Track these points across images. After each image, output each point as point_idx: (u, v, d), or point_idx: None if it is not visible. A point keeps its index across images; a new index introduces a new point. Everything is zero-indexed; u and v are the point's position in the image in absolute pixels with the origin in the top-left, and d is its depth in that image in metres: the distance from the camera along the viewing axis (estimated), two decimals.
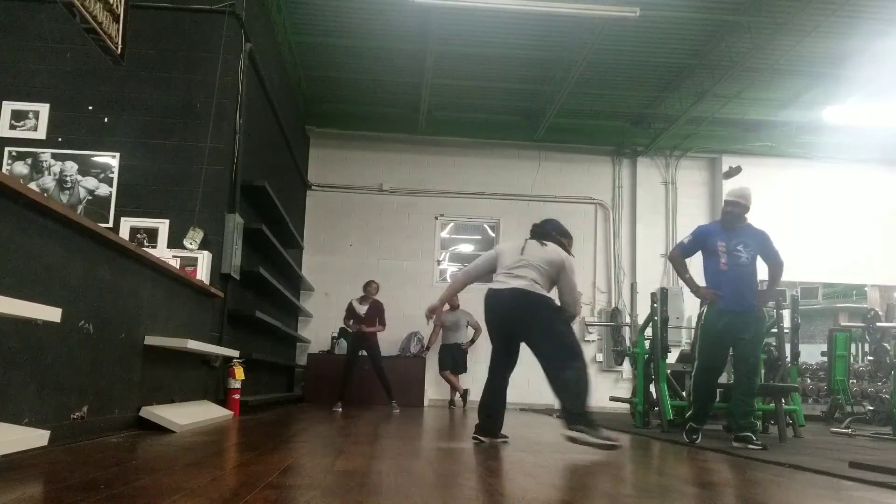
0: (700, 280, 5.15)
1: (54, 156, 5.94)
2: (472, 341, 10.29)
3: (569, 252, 4.49)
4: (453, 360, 10.03)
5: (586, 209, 11.49)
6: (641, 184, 11.73)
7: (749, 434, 4.73)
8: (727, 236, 4.97)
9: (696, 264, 5.20)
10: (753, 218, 5.14)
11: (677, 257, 5.22)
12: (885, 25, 8.00)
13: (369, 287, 8.72)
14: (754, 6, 7.77)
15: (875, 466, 3.52)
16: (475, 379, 10.46)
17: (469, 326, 10.33)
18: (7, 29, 6.10)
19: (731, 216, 5.01)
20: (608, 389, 10.63)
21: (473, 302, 10.69)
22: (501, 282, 4.34)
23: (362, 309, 8.60)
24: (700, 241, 5.10)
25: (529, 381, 10.98)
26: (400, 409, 8.47)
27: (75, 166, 5.95)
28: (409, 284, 11.12)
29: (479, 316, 10.21)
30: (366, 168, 11.40)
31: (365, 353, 8.66)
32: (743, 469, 3.57)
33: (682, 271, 5.18)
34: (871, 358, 8.42)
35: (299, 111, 10.62)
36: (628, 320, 10.69)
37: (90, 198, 5.94)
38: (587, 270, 11.17)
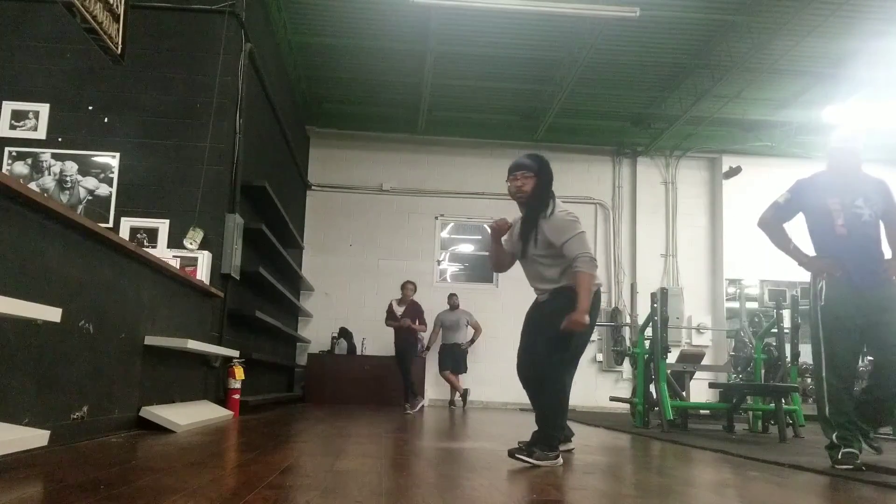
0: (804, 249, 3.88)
1: (54, 156, 5.94)
2: (472, 341, 10.29)
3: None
4: (453, 360, 10.02)
5: (586, 209, 11.48)
6: (641, 184, 11.74)
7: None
8: (841, 189, 3.74)
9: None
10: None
11: (771, 222, 3.91)
12: (884, 25, 8.00)
13: (405, 289, 8.84)
14: (754, 6, 7.77)
15: (875, 466, 3.52)
16: (475, 379, 10.48)
17: (469, 326, 10.33)
18: (7, 29, 6.11)
19: (841, 164, 3.81)
20: (608, 389, 10.65)
21: (474, 302, 10.78)
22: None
23: (399, 310, 8.71)
24: (802, 197, 3.84)
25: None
26: (413, 412, 8.14)
27: (75, 166, 5.95)
28: None
29: (479, 316, 10.36)
30: (366, 168, 11.40)
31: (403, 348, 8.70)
32: (743, 469, 3.57)
33: (781, 241, 3.90)
34: (870, 358, 8.41)
35: (299, 111, 10.62)
36: (628, 320, 10.70)
37: (90, 198, 5.94)
38: None
